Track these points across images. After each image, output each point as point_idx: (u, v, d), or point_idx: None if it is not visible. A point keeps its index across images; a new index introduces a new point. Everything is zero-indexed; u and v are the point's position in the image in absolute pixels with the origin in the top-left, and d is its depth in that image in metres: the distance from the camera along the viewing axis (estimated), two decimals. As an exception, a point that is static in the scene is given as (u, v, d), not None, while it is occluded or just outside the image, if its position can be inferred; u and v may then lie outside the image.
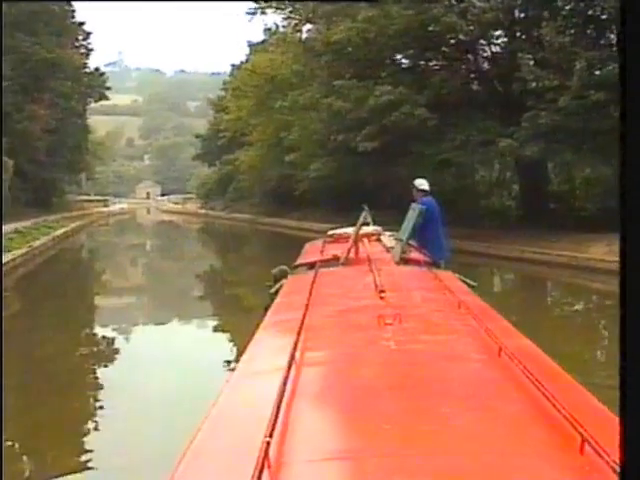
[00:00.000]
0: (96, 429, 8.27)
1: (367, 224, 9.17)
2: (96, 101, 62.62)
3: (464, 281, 7.23)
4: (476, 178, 35.28)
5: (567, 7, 26.20)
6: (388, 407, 2.76)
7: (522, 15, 27.55)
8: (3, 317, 13.36)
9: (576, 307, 17.85)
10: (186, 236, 54.91)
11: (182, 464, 2.39)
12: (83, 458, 7.36)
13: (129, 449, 7.23)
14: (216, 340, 13.48)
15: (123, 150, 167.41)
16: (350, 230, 8.58)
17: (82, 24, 57.46)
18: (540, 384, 2.76)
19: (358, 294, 5.59)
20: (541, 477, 2.23)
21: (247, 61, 60.04)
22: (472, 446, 2.38)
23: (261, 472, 2.02)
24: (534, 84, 25.64)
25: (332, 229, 10.11)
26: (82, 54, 57.88)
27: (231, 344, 12.41)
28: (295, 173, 40.73)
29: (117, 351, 12.85)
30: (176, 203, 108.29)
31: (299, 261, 8.86)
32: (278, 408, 2.50)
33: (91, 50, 59.47)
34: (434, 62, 30.55)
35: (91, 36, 59.26)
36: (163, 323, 16.03)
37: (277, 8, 35.97)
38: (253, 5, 36.12)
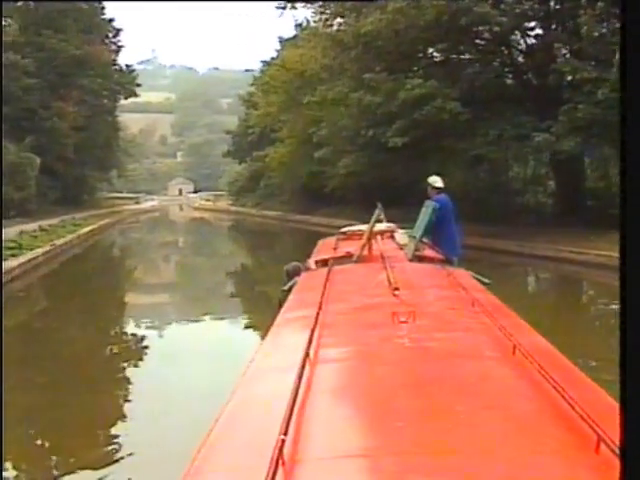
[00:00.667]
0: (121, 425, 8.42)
1: (381, 221, 9.17)
2: (126, 98, 62.26)
3: (478, 279, 7.22)
4: (510, 174, 34.43)
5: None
6: (402, 405, 2.76)
7: (558, 5, 26.68)
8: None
9: (616, 308, 16.95)
10: (218, 233, 54.62)
11: (197, 460, 2.44)
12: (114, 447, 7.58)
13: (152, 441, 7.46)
14: (245, 337, 13.24)
15: (156, 147, 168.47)
16: (363, 227, 8.62)
17: (111, 21, 57.32)
18: (555, 382, 2.77)
19: (372, 291, 5.61)
20: (557, 476, 2.22)
21: (277, 57, 59.56)
22: (487, 444, 2.39)
23: (276, 469, 2.04)
24: (571, 76, 24.74)
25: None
26: (112, 51, 57.75)
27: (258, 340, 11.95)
28: (325, 170, 40.41)
29: (146, 352, 12.55)
30: (207, 200, 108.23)
31: (313, 258, 8.80)
32: (292, 405, 2.52)
33: (121, 47, 59.43)
34: (467, 55, 29.92)
35: (121, 33, 59.43)
36: (193, 320, 15.85)
37: (307, 2, 35.42)
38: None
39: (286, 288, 7.41)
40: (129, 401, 9.48)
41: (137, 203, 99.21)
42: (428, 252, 8.52)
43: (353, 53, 29.53)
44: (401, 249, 8.45)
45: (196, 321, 15.68)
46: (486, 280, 7.31)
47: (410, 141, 26.18)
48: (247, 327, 14.57)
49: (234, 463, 2.43)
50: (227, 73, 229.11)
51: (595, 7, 23.81)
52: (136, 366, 11.48)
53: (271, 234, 47.38)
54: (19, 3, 48.68)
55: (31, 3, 49.18)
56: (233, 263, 29.69)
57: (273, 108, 47.92)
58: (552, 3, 26.86)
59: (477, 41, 29.33)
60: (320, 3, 35.04)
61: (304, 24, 48.59)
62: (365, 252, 7.62)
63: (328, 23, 35.27)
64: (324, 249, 9.45)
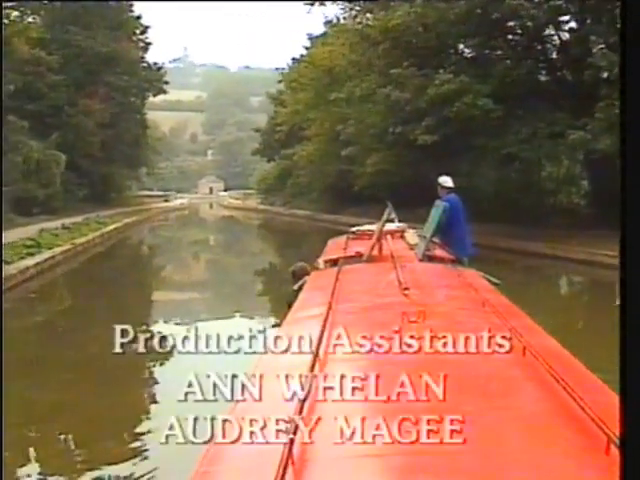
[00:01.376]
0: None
1: (391, 221, 9.24)
2: (154, 95, 62.01)
3: (488, 279, 7.18)
4: (542, 174, 33.54)
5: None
6: (412, 405, 2.69)
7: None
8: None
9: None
10: (247, 232, 54.50)
11: (206, 459, 2.46)
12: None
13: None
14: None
15: (186, 146, 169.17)
16: (373, 227, 8.73)
17: (139, 17, 56.96)
18: (565, 384, 2.79)
19: (382, 291, 5.59)
20: (567, 477, 2.23)
21: (306, 54, 59.08)
22: (497, 445, 2.42)
23: (285, 469, 2.08)
24: (608, 72, 23.79)
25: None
26: (140, 48, 57.45)
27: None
28: (353, 168, 39.89)
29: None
30: (237, 199, 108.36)
31: (322, 258, 8.79)
32: (302, 405, 2.55)
33: (149, 44, 59.09)
34: (499, 51, 29.09)
35: (150, 30, 58.94)
36: (224, 318, 15.56)
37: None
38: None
39: (296, 287, 7.50)
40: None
41: (166, 201, 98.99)
42: (438, 252, 8.56)
43: (381, 48, 28.95)
44: (411, 249, 8.49)
45: (226, 318, 15.44)
46: (496, 280, 7.26)
47: (440, 139, 25.69)
48: (275, 326, 14.13)
49: (243, 463, 2.44)
50: (258, 71, 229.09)
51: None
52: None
53: (299, 233, 47.12)
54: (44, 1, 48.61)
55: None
56: (262, 262, 29.60)
57: (301, 106, 47.83)
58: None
59: (509, 36, 28.55)
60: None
61: (334, 21, 48.26)
62: (375, 252, 7.63)
63: (357, 20, 34.76)
64: (334, 249, 9.42)
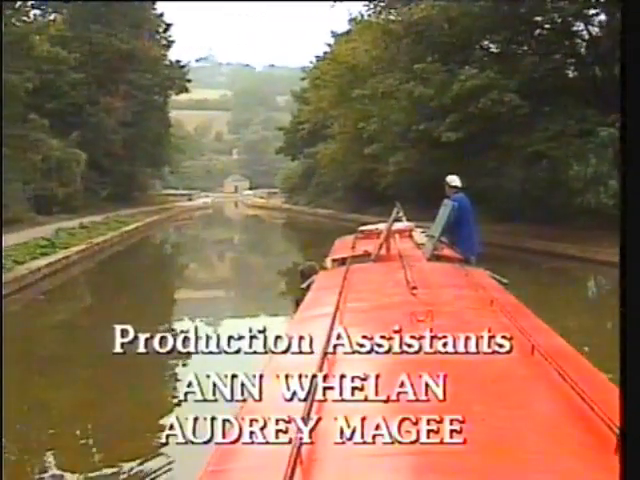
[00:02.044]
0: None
1: (400, 220, 9.31)
2: (177, 94, 61.66)
3: (496, 278, 7.21)
4: (570, 173, 32.79)
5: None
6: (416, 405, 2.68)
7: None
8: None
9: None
10: (271, 231, 54.42)
11: (215, 459, 2.50)
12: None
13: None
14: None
15: (212, 144, 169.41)
16: (381, 226, 8.76)
17: (161, 15, 56.65)
18: (574, 383, 2.82)
19: (390, 290, 5.63)
20: (575, 476, 2.26)
21: (330, 51, 58.62)
22: (505, 444, 2.45)
23: (294, 469, 2.12)
24: (639, 66, 23.08)
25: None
26: (162, 46, 57.16)
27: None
28: (377, 167, 39.39)
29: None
30: (261, 197, 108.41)
31: (330, 257, 8.82)
32: (310, 405, 2.55)
33: (172, 42, 58.83)
34: (525, 47, 28.48)
35: (172, 28, 58.73)
36: (247, 316, 15.80)
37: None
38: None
39: (304, 286, 7.49)
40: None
41: (190, 200, 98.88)
42: (446, 251, 8.62)
43: (404, 43, 28.41)
44: (419, 248, 8.57)
45: (251, 316, 15.52)
46: (504, 280, 7.25)
47: (464, 136, 25.07)
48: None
49: (252, 463, 2.45)
50: (283, 70, 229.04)
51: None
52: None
53: (324, 232, 46.54)
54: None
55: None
56: (285, 262, 29.09)
57: (324, 103, 47.24)
58: (617, -14, 25.28)
59: (537, 31, 27.88)
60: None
61: (358, 18, 47.76)
62: (383, 251, 7.66)
63: (381, 17, 34.16)
64: (342, 248, 9.45)
